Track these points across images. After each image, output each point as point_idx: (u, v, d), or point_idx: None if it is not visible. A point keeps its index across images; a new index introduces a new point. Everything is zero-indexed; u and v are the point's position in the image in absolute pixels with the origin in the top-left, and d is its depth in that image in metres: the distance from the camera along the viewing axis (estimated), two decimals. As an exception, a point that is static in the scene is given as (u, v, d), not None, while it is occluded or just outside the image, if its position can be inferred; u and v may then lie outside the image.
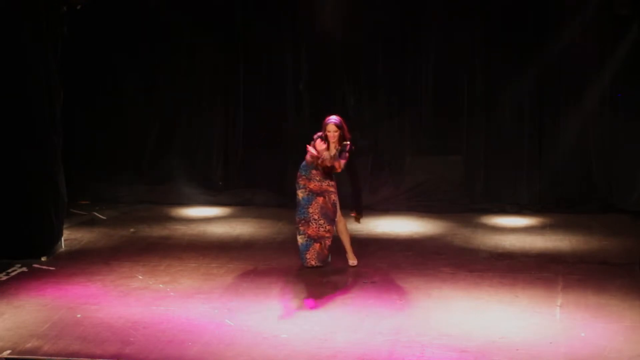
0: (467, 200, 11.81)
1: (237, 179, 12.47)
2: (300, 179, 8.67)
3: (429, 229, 10.78)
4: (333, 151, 8.52)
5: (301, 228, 8.69)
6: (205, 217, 11.48)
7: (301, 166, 8.70)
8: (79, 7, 9.93)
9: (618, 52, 11.35)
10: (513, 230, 10.68)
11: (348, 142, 8.55)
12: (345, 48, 11.95)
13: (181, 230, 10.74)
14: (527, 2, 11.48)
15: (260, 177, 12.31)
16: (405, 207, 11.73)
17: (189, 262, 9.20)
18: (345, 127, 8.57)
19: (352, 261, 8.91)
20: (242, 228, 10.84)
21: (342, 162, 8.48)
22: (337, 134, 8.50)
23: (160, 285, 8.38)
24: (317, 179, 8.59)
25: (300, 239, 8.74)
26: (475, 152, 11.95)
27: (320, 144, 8.38)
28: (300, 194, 8.67)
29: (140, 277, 8.66)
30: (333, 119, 8.55)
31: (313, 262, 8.73)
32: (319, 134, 8.56)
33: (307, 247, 8.72)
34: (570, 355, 6.65)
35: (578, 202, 11.56)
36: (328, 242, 8.73)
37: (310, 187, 8.62)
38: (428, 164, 12.09)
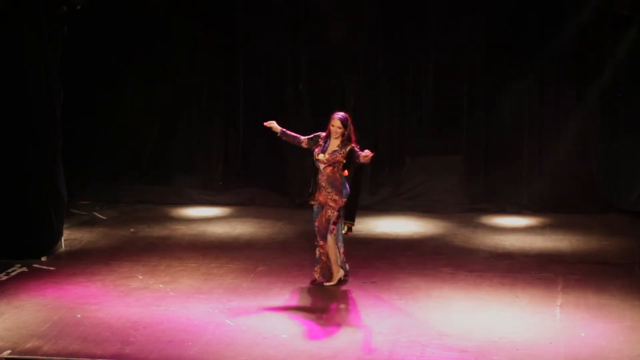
0: (467, 200, 11.80)
1: (237, 179, 12.46)
2: (317, 191, 8.32)
3: (429, 229, 10.77)
4: (334, 147, 8.18)
5: (315, 242, 8.41)
6: (205, 217, 11.48)
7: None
8: (79, 7, 9.94)
9: (618, 52, 11.35)
10: (513, 230, 10.67)
11: (354, 145, 8.17)
12: (345, 48, 11.95)
13: (181, 230, 10.74)
14: (527, 2, 11.47)
15: (260, 177, 12.31)
16: (405, 207, 11.72)
17: (189, 262, 9.20)
18: (352, 127, 8.22)
19: (330, 282, 8.40)
20: (242, 228, 10.84)
21: (366, 154, 8.02)
22: (340, 130, 8.15)
23: (160, 285, 8.38)
24: (323, 184, 8.20)
25: (316, 252, 8.45)
26: (475, 152, 11.94)
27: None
28: (314, 207, 8.37)
29: (140, 277, 8.66)
30: (340, 114, 8.24)
31: (316, 276, 8.45)
32: (321, 133, 8.31)
33: (317, 261, 8.46)
34: (570, 355, 6.66)
35: (578, 202, 11.55)
36: (323, 259, 8.35)
37: (320, 199, 8.30)
38: (428, 164, 12.08)
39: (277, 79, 12.19)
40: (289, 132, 8.47)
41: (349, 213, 8.41)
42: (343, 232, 8.45)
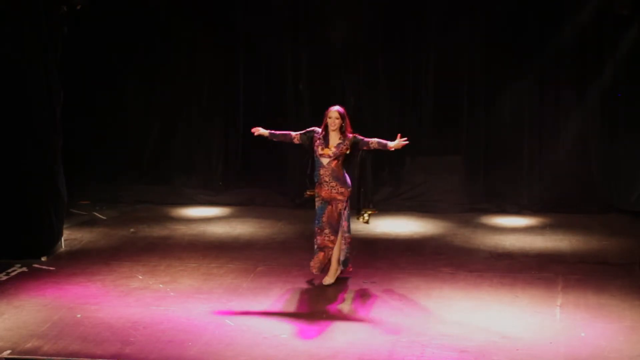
0: (467, 200, 11.80)
1: (237, 179, 12.46)
2: (316, 187, 8.37)
3: (429, 229, 10.77)
4: (336, 140, 8.20)
5: (317, 237, 8.37)
6: (205, 217, 11.48)
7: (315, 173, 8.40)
8: (79, 7, 9.94)
9: (618, 52, 11.35)
10: (513, 230, 10.68)
11: (357, 134, 8.25)
12: (345, 48, 11.95)
13: (181, 230, 10.74)
14: (527, 2, 11.47)
15: (260, 177, 12.30)
16: (405, 207, 11.72)
17: (189, 262, 9.20)
18: (347, 120, 8.25)
19: (328, 279, 8.42)
20: (242, 228, 10.84)
21: (398, 142, 8.15)
22: (338, 121, 8.16)
23: (160, 285, 8.38)
24: (326, 179, 8.22)
25: (316, 244, 8.43)
26: (475, 152, 11.94)
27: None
28: (317, 202, 8.36)
29: (140, 277, 8.66)
30: (336, 107, 8.26)
31: (314, 270, 8.41)
32: (315, 128, 8.30)
33: (315, 252, 8.44)
34: (570, 355, 6.66)
35: (578, 202, 11.55)
36: (331, 253, 8.34)
37: (322, 194, 8.30)
38: (428, 164, 12.08)
39: (277, 79, 12.19)
40: (277, 132, 8.45)
41: (368, 201, 8.58)
42: (363, 221, 8.62)
